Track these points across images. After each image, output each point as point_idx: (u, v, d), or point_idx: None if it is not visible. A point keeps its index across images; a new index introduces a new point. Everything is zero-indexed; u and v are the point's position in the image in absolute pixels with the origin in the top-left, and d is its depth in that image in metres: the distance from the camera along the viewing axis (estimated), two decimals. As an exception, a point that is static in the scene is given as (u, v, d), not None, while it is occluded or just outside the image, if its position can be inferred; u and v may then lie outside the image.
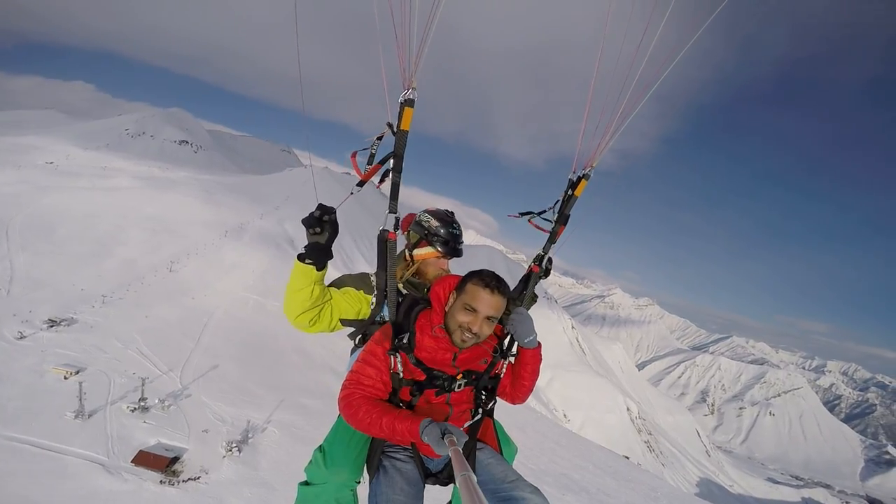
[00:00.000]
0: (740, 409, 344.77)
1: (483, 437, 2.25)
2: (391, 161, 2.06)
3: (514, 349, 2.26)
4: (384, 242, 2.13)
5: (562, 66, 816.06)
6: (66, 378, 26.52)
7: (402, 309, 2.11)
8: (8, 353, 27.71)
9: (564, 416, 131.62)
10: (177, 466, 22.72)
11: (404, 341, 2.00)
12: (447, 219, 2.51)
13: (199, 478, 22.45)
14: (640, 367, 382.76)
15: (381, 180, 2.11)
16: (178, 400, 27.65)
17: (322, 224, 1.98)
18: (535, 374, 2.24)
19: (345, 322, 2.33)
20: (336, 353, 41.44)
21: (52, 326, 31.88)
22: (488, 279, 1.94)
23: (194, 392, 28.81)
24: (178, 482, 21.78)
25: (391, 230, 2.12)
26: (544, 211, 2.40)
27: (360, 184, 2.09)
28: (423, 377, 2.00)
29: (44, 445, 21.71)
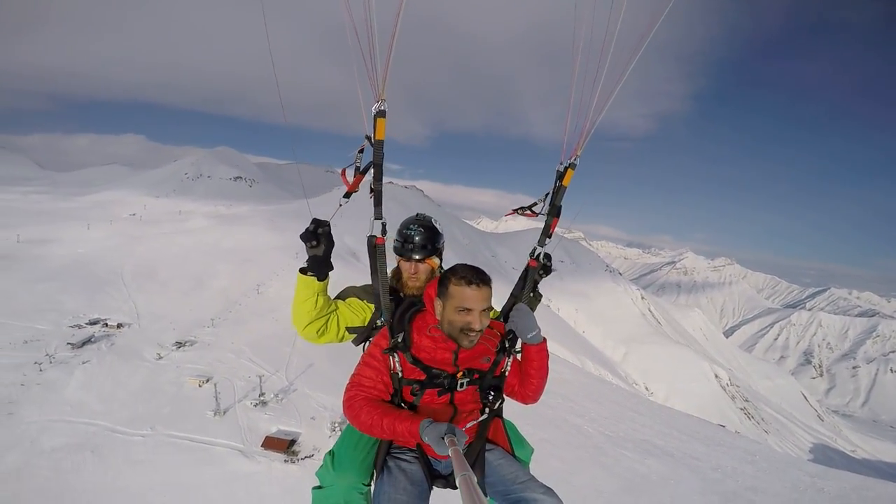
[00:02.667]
0: (854, 368, 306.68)
1: (494, 437, 2.23)
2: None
3: (520, 346, 2.23)
4: (373, 248, 2.17)
5: (567, 40, 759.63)
6: (200, 386, 31.95)
7: (398, 311, 2.13)
8: (153, 371, 33.91)
9: (646, 388, 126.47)
10: (295, 447, 26.63)
11: (400, 340, 2.01)
12: (406, 221, 2.52)
13: (313, 455, 26.10)
14: (729, 332, 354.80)
15: (372, 191, 2.14)
16: (288, 394, 32.09)
17: (318, 237, 2.06)
18: (543, 370, 2.18)
19: (350, 329, 2.41)
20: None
21: (179, 347, 38.09)
22: (468, 275, 1.93)
23: (299, 387, 33.15)
24: (298, 460, 25.53)
25: (378, 235, 2.16)
26: (534, 203, 2.38)
27: (347, 195, 2.15)
28: (423, 376, 2.01)
29: (196, 439, 26.61)
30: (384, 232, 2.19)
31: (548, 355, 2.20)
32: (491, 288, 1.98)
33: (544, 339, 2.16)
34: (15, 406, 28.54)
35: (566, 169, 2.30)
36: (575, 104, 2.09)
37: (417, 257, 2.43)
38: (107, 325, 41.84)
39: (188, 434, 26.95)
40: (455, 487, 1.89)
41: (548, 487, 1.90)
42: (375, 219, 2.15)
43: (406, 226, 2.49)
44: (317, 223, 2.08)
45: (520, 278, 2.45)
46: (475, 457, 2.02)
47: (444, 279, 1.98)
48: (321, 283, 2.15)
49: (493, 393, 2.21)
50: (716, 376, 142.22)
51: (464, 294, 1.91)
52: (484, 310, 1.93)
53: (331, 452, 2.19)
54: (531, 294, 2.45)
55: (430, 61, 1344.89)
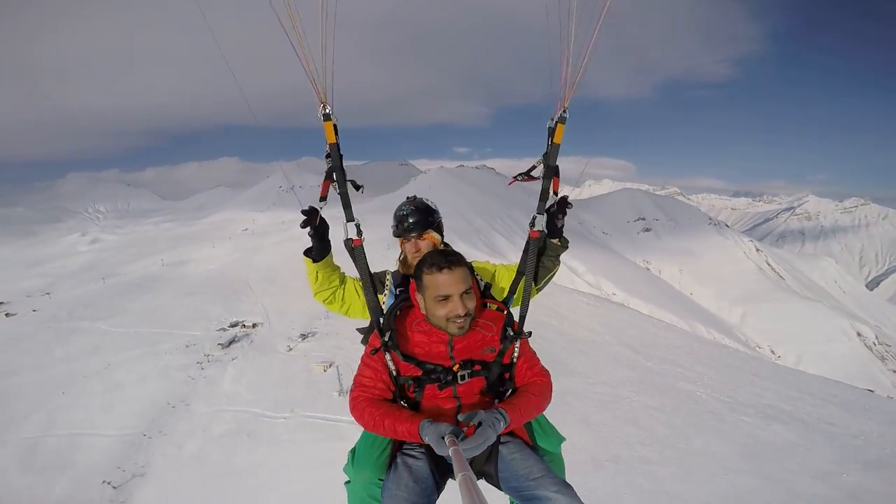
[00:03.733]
0: None
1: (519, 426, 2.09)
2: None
3: (526, 330, 2.13)
4: (352, 250, 2.15)
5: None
6: (325, 371, 36.42)
7: (387, 309, 2.11)
8: (286, 361, 39.40)
9: (772, 352, 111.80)
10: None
11: (386, 339, 1.98)
12: (399, 205, 2.59)
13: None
14: (873, 283, 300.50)
15: (358, 188, 2.22)
16: (398, 376, 35.46)
17: (308, 224, 2.16)
18: (539, 412, 2.03)
19: (359, 329, 2.50)
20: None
21: (304, 339, 43.52)
22: (437, 261, 1.89)
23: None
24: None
25: (355, 237, 2.14)
26: (533, 167, 2.18)
27: (322, 199, 2.15)
28: (419, 373, 1.97)
29: (326, 418, 30.19)
30: (360, 233, 2.18)
31: (527, 415, 1.95)
32: (465, 267, 1.94)
33: (509, 423, 1.83)
34: (188, 400, 34.67)
35: (556, 124, 2.05)
36: (561, 53, 1.86)
37: (414, 234, 2.50)
38: (245, 325, 49.42)
39: (320, 414, 30.77)
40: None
41: (563, 484, 1.77)
42: (347, 221, 2.13)
43: (398, 208, 2.59)
44: (306, 212, 2.17)
45: (523, 252, 2.27)
46: (489, 451, 1.93)
47: (417, 272, 1.96)
48: (316, 263, 2.32)
49: (503, 384, 2.08)
50: (858, 335, 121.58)
51: (437, 281, 1.88)
52: (464, 292, 1.88)
53: (352, 450, 2.19)
54: (557, 242, 2.32)
55: (475, 40, 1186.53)
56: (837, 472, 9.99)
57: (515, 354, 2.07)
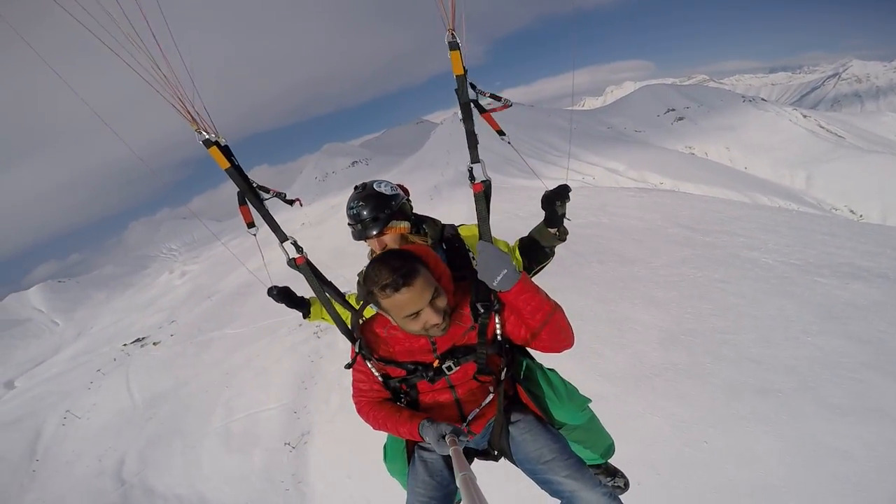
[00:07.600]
0: None
1: (526, 402, 1.88)
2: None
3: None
4: (298, 270, 1.94)
5: None
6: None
7: (352, 316, 1.88)
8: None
9: (851, 212, 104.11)
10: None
11: (357, 348, 1.77)
12: (348, 202, 2.07)
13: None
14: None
15: (291, 201, 2.00)
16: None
17: (275, 298, 2.30)
18: (541, 313, 1.55)
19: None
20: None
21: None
22: (389, 281, 1.44)
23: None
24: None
25: (296, 255, 1.91)
26: (483, 94, 1.60)
27: (251, 226, 1.92)
28: (403, 373, 1.76)
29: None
30: (300, 250, 1.90)
31: (536, 296, 1.52)
32: (423, 273, 1.47)
33: (521, 278, 1.48)
34: (318, 364, 39.53)
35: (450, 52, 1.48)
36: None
37: (375, 233, 1.98)
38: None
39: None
40: (496, 459, 1.85)
41: (575, 468, 1.59)
42: (281, 242, 1.83)
43: (348, 207, 2.05)
44: (268, 292, 2.31)
45: (477, 209, 1.67)
46: (500, 432, 1.77)
47: (369, 294, 1.53)
48: (308, 317, 2.40)
49: (502, 361, 1.73)
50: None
51: (397, 303, 1.45)
52: (432, 300, 1.47)
53: (385, 444, 2.07)
54: (554, 232, 1.86)
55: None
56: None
57: (500, 327, 1.64)
